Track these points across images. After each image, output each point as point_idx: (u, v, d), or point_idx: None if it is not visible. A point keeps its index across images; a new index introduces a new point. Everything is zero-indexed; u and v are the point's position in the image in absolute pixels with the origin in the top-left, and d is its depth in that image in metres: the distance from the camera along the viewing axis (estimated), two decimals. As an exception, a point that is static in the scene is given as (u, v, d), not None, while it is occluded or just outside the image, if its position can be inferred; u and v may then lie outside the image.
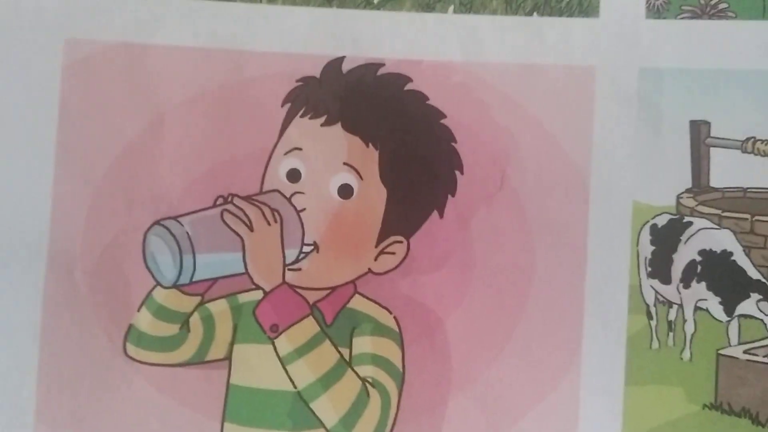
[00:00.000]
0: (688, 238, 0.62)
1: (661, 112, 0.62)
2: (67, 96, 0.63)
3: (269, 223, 0.59)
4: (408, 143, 0.62)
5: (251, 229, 0.59)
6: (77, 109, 0.63)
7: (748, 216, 0.61)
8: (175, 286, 0.59)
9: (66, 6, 0.63)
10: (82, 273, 0.62)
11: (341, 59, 0.63)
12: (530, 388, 0.61)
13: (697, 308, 0.61)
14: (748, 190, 0.62)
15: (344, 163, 0.61)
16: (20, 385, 0.61)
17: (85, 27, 0.63)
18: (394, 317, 0.61)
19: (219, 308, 0.61)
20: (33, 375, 0.61)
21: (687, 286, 0.61)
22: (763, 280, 0.61)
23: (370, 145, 0.61)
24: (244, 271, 0.59)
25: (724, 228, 0.62)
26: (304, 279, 0.61)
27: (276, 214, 0.59)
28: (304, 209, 0.60)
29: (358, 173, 0.61)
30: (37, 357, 0.62)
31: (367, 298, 0.62)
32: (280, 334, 0.59)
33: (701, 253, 0.61)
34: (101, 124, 0.63)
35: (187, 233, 0.58)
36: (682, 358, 0.61)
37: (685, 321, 0.61)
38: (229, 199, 0.60)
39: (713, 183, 0.62)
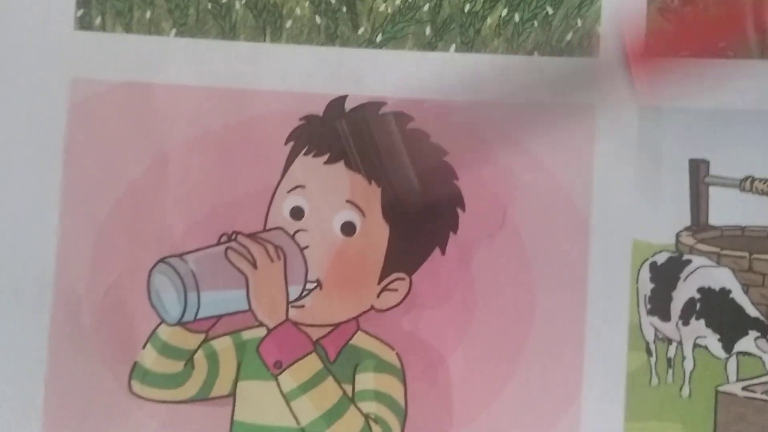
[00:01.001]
0: (687, 276, 0.63)
1: (660, 150, 0.63)
2: (73, 135, 0.65)
3: (273, 261, 0.62)
4: (410, 181, 0.63)
5: (255, 266, 0.61)
6: (82, 148, 0.65)
7: (746, 254, 0.63)
8: (180, 323, 0.62)
9: (72, 46, 0.65)
10: (88, 311, 0.64)
11: (344, 98, 0.65)
12: (531, 425, 0.63)
13: (696, 345, 0.63)
14: (747, 228, 0.63)
15: (347, 201, 0.63)
16: (26, 423, 0.63)
17: (91, 67, 0.65)
18: (397, 354, 0.64)
19: (223, 345, 0.64)
20: (39, 412, 0.63)
21: (686, 323, 0.63)
22: (762, 318, 0.62)
23: (373, 182, 0.63)
24: (247, 308, 0.62)
25: (723, 266, 0.63)
26: (307, 316, 0.63)
27: (279, 251, 0.62)
28: (308, 246, 0.63)
29: (360, 210, 0.63)
30: (42, 395, 0.64)
31: (370, 334, 0.64)
32: (284, 370, 0.62)
33: (700, 290, 0.63)
34: (106, 164, 0.65)
35: (192, 271, 0.60)
36: (681, 395, 0.63)
37: (684, 358, 0.63)
38: (233, 236, 0.63)
39: (712, 221, 0.64)
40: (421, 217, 0.64)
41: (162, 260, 0.62)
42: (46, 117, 0.65)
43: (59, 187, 0.64)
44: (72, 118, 0.65)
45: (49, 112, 0.65)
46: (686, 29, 0.60)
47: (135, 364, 0.64)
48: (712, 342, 0.63)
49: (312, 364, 0.62)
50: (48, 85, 0.65)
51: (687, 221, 0.63)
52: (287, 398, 0.62)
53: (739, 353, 0.62)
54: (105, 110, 0.65)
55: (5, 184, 0.65)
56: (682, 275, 0.63)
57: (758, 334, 0.62)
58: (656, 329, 0.63)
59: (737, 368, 0.62)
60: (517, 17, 0.65)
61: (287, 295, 0.62)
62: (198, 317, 0.61)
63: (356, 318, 0.64)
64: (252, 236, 0.63)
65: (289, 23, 0.65)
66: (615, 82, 0.64)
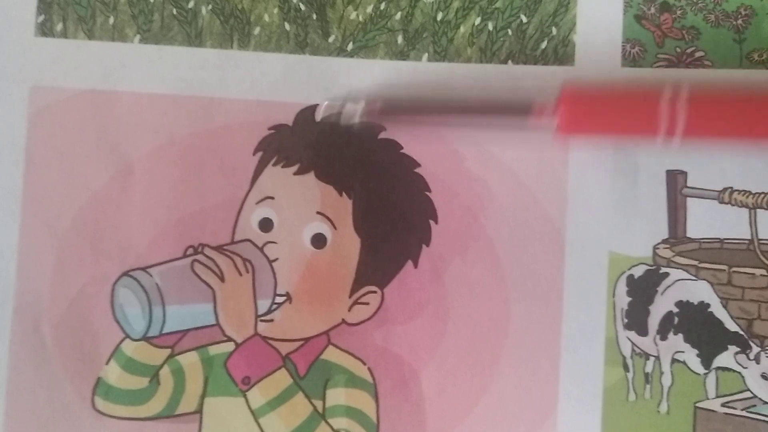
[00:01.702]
0: (665, 290, 0.64)
1: (636, 162, 0.64)
2: (33, 144, 0.65)
3: (241, 274, 0.62)
4: (382, 192, 0.65)
5: (222, 279, 0.62)
6: (43, 157, 0.65)
7: (725, 267, 0.64)
8: (145, 338, 0.63)
9: (31, 54, 0.66)
10: (49, 326, 0.64)
11: (314, 107, 0.65)
12: (506, 440, 0.63)
13: (674, 360, 0.63)
14: (726, 240, 0.64)
15: (317, 212, 0.64)
16: (-15, 441, 0.63)
17: (51, 75, 0.66)
18: (368, 368, 0.64)
19: (189, 360, 0.64)
20: (-1, 430, 0.63)
21: (664, 338, 0.63)
22: (741, 332, 0.63)
23: (344, 194, 0.64)
24: (215, 322, 0.63)
25: (701, 279, 0.64)
26: (276, 330, 0.64)
27: (248, 264, 0.62)
28: (277, 259, 0.64)
29: (331, 222, 0.64)
30: (3, 411, 0.64)
31: (341, 349, 0.64)
32: (252, 386, 0.63)
33: (678, 304, 0.64)
34: (68, 173, 0.65)
35: (157, 284, 0.61)
36: (659, 411, 0.63)
37: (662, 373, 0.63)
38: (200, 249, 0.64)
39: (690, 233, 0.64)
40: (392, 229, 0.64)
41: (126, 273, 0.63)
42: (6, 126, 0.65)
43: (19, 197, 0.65)
44: (32, 127, 0.65)
45: (8, 120, 0.65)
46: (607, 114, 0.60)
47: (98, 379, 0.64)
48: (691, 357, 0.63)
49: (281, 379, 0.63)
50: (8, 93, 0.65)
51: (664, 233, 0.64)
52: (256, 415, 0.63)
53: (718, 368, 0.63)
54: (67, 119, 0.65)
55: (-36, 194, 0.64)
56: (660, 288, 0.63)
57: (738, 349, 0.62)
58: (633, 344, 0.64)
59: (716, 384, 0.63)
60: (490, 26, 0.65)
61: (256, 309, 0.63)
62: (163, 332, 0.62)
63: (327, 332, 0.64)
64: (219, 249, 0.63)
65: (257, 30, 0.65)
66: (590, 92, 0.64)
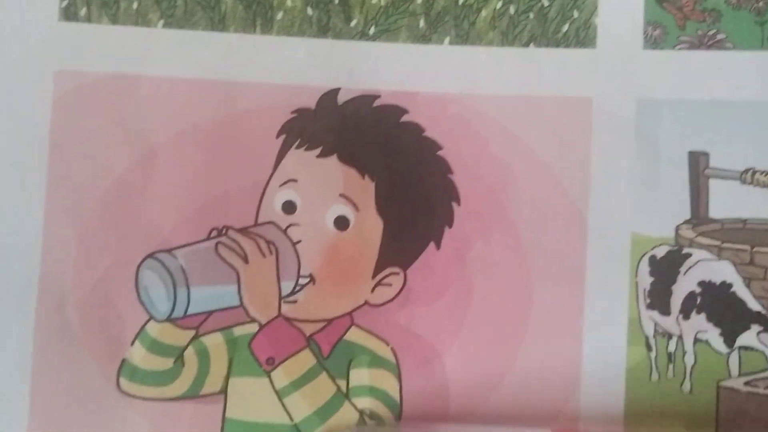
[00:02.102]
0: (688, 270, 0.64)
1: (659, 143, 0.64)
2: (58, 129, 0.65)
3: (264, 256, 0.62)
4: (404, 175, 0.65)
5: (246, 261, 0.62)
6: (68, 142, 0.65)
7: (747, 247, 0.64)
8: (169, 319, 0.63)
9: (55, 38, 0.66)
10: (74, 308, 0.64)
11: (337, 91, 0.66)
12: (528, 420, 0.63)
13: (697, 340, 0.63)
14: (748, 221, 0.64)
15: (340, 195, 0.64)
16: (11, 422, 0.63)
17: (75, 59, 0.66)
18: (392, 349, 0.64)
19: (214, 342, 0.64)
20: (25, 411, 0.64)
21: (686, 317, 0.63)
22: (764, 311, 0.63)
23: (366, 176, 0.64)
24: (239, 304, 0.63)
25: (724, 259, 0.64)
26: (300, 311, 0.64)
27: (271, 246, 0.63)
28: (300, 241, 0.64)
29: (354, 205, 0.64)
30: (28, 393, 0.64)
31: (364, 329, 0.64)
32: (276, 367, 0.63)
33: (701, 284, 0.64)
34: (92, 157, 0.65)
35: (181, 266, 0.61)
36: (682, 390, 0.63)
37: (685, 353, 0.63)
38: (224, 231, 0.63)
39: (712, 214, 0.64)
40: (415, 211, 0.64)
41: (150, 255, 0.63)
42: (31, 110, 0.65)
43: (44, 181, 0.65)
44: (57, 111, 0.65)
45: (33, 104, 0.65)
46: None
47: (123, 361, 0.64)
48: (714, 336, 0.63)
49: (305, 360, 0.63)
50: (32, 77, 0.66)
51: (687, 214, 0.64)
52: (280, 395, 0.63)
53: (740, 348, 0.63)
54: (91, 103, 0.65)
55: (-11, 178, 0.64)
56: (682, 269, 0.64)
57: (761, 328, 0.63)
58: (656, 324, 0.64)
59: (739, 363, 0.63)
60: (512, 9, 0.66)
61: (279, 290, 0.63)
62: (188, 313, 0.62)
63: (350, 313, 0.64)
64: (243, 231, 0.64)
65: (280, 15, 0.66)
66: (612, 74, 0.65)
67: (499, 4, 0.66)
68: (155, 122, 0.65)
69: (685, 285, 0.64)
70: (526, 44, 0.66)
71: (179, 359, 0.64)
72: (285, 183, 0.64)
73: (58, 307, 0.64)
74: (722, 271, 0.64)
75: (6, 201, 0.65)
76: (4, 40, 0.66)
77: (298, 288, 0.64)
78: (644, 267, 0.64)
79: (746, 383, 0.63)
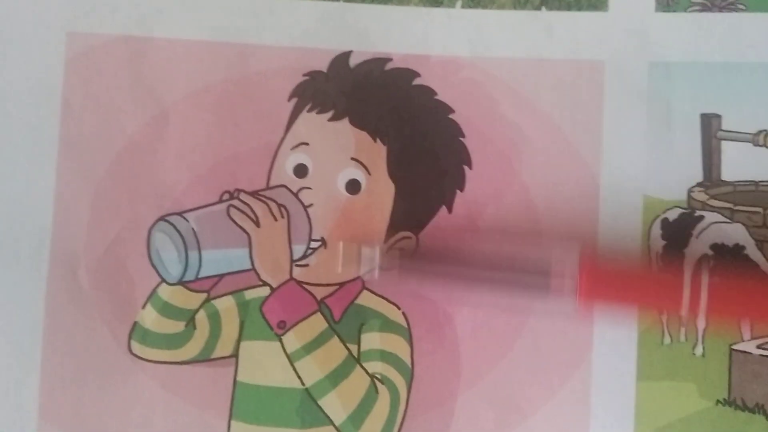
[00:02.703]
0: (700, 233, 0.64)
1: (671, 105, 0.64)
2: (70, 90, 0.65)
3: (276, 219, 0.62)
4: (416, 138, 0.65)
5: (258, 224, 0.62)
6: (80, 103, 0.65)
7: (760, 209, 0.64)
8: (181, 282, 0.63)
9: (67, -1, 0.65)
10: (86, 270, 0.64)
11: (348, 54, 0.66)
12: (540, 384, 0.64)
13: (709, 303, 0.63)
14: (760, 183, 0.64)
15: (352, 158, 0.64)
16: (23, 384, 0.64)
17: (87, 20, 0.66)
18: (403, 313, 0.64)
19: (225, 305, 0.64)
20: (36, 374, 0.64)
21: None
22: (776, 274, 0.62)
23: (378, 140, 0.64)
24: (250, 267, 0.63)
25: (736, 222, 0.64)
26: (311, 275, 0.64)
27: (283, 209, 0.63)
28: (312, 204, 0.64)
29: (365, 168, 0.64)
30: (39, 355, 0.64)
31: (376, 294, 0.65)
32: (288, 330, 0.63)
33: (713, 247, 0.63)
34: (104, 119, 0.65)
35: (193, 229, 0.61)
36: (694, 354, 0.63)
37: (696, 316, 0.63)
38: (235, 194, 0.64)
39: (725, 176, 0.64)
40: (427, 175, 0.64)
41: (162, 218, 0.63)
42: (43, 72, 0.65)
43: (56, 143, 0.65)
44: (69, 73, 0.65)
45: (45, 66, 0.66)
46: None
47: (134, 324, 0.64)
48: (726, 300, 0.63)
49: (316, 323, 0.63)
50: (44, 39, 0.66)
51: (699, 177, 0.64)
52: (291, 359, 0.63)
53: (753, 310, 0.62)
54: (103, 64, 0.65)
55: (1, 140, 0.65)
56: (695, 232, 0.63)
57: (773, 291, 0.62)
58: (669, 287, 0.63)
59: (751, 326, 0.63)
60: (524, -28, 0.65)
61: (291, 253, 0.63)
62: (199, 276, 0.62)
63: (361, 277, 0.63)
64: (255, 194, 0.64)
65: (292, -23, 0.66)
66: (624, 37, 0.65)
67: (512, -33, 0.66)
68: (167, 84, 0.65)
69: (697, 248, 0.64)
70: (538, 7, 0.66)
71: (190, 322, 0.64)
72: (297, 146, 0.65)
73: (70, 270, 0.64)
74: (735, 234, 0.64)
75: (18, 163, 0.65)
76: (16, 2, 0.66)
77: (309, 252, 0.64)
78: (656, 230, 0.64)
79: (759, 346, 0.63)
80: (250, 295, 0.64)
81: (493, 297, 0.62)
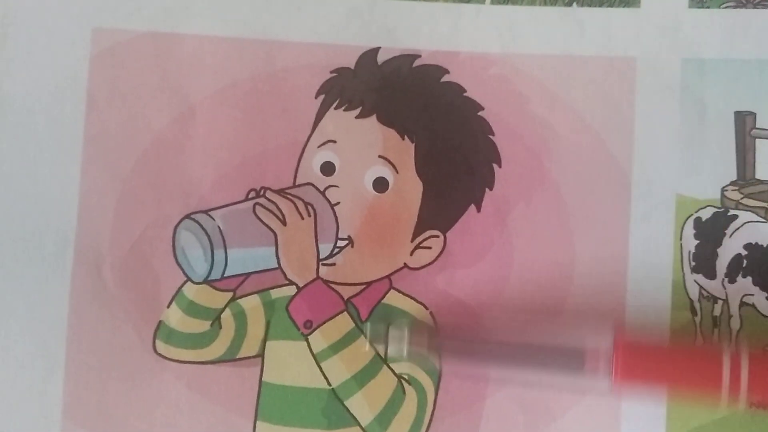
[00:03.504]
0: (734, 232, 0.63)
1: (704, 103, 0.64)
2: (95, 87, 0.65)
3: (303, 217, 0.62)
4: (444, 136, 0.64)
5: (284, 223, 0.61)
6: (105, 100, 0.64)
7: (795, 209, 0.62)
8: (206, 281, 0.62)
9: (94, -6, 0.65)
10: (111, 268, 0.64)
11: (376, 50, 0.65)
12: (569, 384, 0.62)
13: (743, 304, 0.62)
14: (795, 182, 0.62)
15: (379, 156, 0.63)
16: (47, 382, 0.63)
17: (113, 16, 0.65)
18: (431, 313, 0.63)
19: (251, 304, 0.63)
20: (60, 372, 0.63)
21: (732, 281, 0.62)
22: (811, 275, 0.61)
23: (406, 137, 0.63)
24: (277, 266, 0.62)
25: (771, 221, 0.62)
26: (338, 274, 0.63)
27: (310, 207, 0.62)
28: (339, 203, 0.63)
29: (393, 166, 0.63)
30: (64, 354, 0.63)
31: (403, 293, 0.64)
32: (314, 330, 0.62)
33: (747, 247, 0.63)
34: (130, 115, 0.64)
35: (219, 227, 0.60)
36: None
37: (730, 317, 0.62)
38: (262, 192, 0.63)
39: (759, 175, 0.63)
40: (455, 173, 0.64)
41: (188, 216, 0.63)
42: (68, 68, 0.65)
43: (81, 140, 0.64)
44: (94, 69, 0.65)
45: (71, 62, 0.65)
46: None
47: (159, 323, 0.63)
48: (760, 300, 0.62)
49: (343, 323, 0.62)
50: (70, 34, 0.65)
51: (733, 175, 0.63)
52: (317, 359, 0.62)
53: (787, 311, 0.61)
54: (128, 61, 0.65)
55: (26, 137, 0.64)
56: (728, 231, 0.63)
57: (808, 291, 0.61)
58: (701, 287, 0.63)
59: (785, 329, 0.62)
60: (554, -32, 0.65)
61: (317, 252, 0.63)
62: (225, 275, 0.61)
63: (389, 276, 0.64)
64: (281, 192, 0.63)
65: (319, -27, 0.65)
66: (657, 33, 0.64)
67: (542, -37, 0.65)
68: (193, 80, 0.65)
69: (731, 247, 0.63)
70: (569, 3, 0.65)
71: (216, 322, 0.63)
72: (324, 144, 0.64)
73: (95, 268, 0.64)
74: (769, 234, 0.62)
75: (42, 160, 0.64)
76: (41, -1, 0.65)
77: (336, 250, 0.63)
78: (689, 229, 0.63)
79: (792, 349, 0.62)
80: (276, 294, 0.63)
81: (527, 375, 0.60)
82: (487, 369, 0.62)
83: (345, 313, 0.63)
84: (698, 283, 0.63)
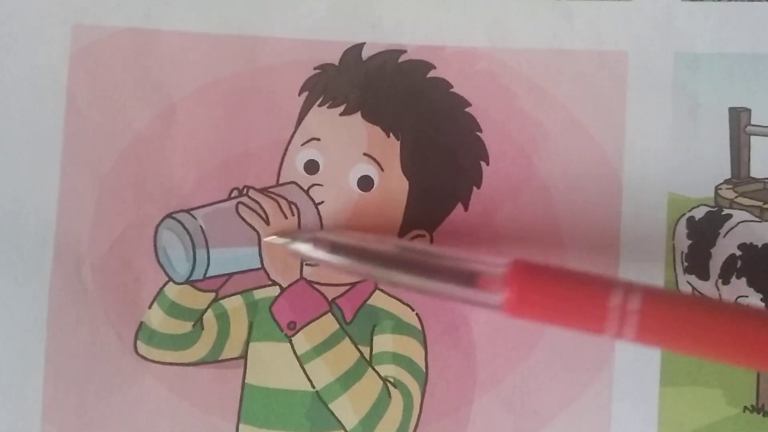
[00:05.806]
0: (728, 232, 0.62)
1: (697, 99, 0.62)
2: (75, 84, 0.64)
3: (286, 217, 0.61)
4: (431, 133, 0.63)
5: (267, 222, 0.60)
6: (85, 97, 0.63)
7: (791, 208, 0.60)
8: (188, 281, 0.61)
9: (74, -9, 0.63)
10: (90, 269, 0.63)
11: (361, 46, 0.64)
12: (560, 389, 0.62)
13: (737, 305, 0.60)
14: (791, 180, 0.61)
15: (364, 154, 0.62)
16: (26, 385, 0.62)
17: (93, 13, 0.64)
18: (417, 314, 0.62)
19: (234, 305, 0.62)
20: (39, 374, 0.62)
21: (726, 282, 0.61)
22: (807, 275, 0.60)
23: (391, 135, 0.62)
24: (260, 266, 0.61)
25: (766, 221, 0.62)
26: (322, 274, 0.62)
27: (293, 207, 0.61)
28: (323, 202, 0.62)
29: (378, 164, 0.62)
30: (43, 356, 0.62)
31: (389, 294, 0.63)
32: (298, 331, 0.61)
33: (741, 247, 0.61)
34: (110, 113, 0.63)
35: (201, 227, 0.60)
36: (720, 358, 0.60)
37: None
38: (245, 191, 0.62)
39: (754, 173, 0.62)
40: (442, 171, 0.63)
41: (169, 215, 0.62)
42: (48, 65, 0.64)
43: (61, 138, 0.63)
44: (74, 66, 0.64)
45: (50, 59, 0.64)
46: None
47: (141, 324, 0.62)
48: (755, 301, 0.61)
49: (327, 325, 0.61)
50: (49, 31, 0.64)
51: (727, 173, 0.62)
52: (301, 361, 0.61)
53: (782, 313, 0.60)
54: (109, 58, 0.64)
55: (4, 134, 0.63)
56: (722, 231, 0.62)
57: (804, 292, 0.60)
58: (694, 288, 0.62)
59: (780, 330, 0.60)
60: (544, -40, 0.63)
61: (301, 252, 0.61)
62: (207, 275, 0.61)
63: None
64: (264, 191, 0.62)
65: (303, -33, 0.64)
66: (649, 27, 0.63)
67: (532, -45, 0.64)
68: (175, 78, 0.64)
69: (724, 248, 0.62)
70: (559, -4, 0.63)
71: (198, 323, 0.62)
72: (307, 142, 0.63)
73: (74, 269, 0.63)
74: (764, 234, 0.62)
75: (22, 158, 0.63)
76: (21, -6, 0.64)
77: (320, 250, 0.62)
78: (682, 229, 0.62)
79: (788, 351, 0.60)
80: (259, 294, 0.62)
81: (416, 281, 0.56)
82: (375, 271, 0.58)
83: (329, 314, 0.62)
84: (691, 284, 0.62)
